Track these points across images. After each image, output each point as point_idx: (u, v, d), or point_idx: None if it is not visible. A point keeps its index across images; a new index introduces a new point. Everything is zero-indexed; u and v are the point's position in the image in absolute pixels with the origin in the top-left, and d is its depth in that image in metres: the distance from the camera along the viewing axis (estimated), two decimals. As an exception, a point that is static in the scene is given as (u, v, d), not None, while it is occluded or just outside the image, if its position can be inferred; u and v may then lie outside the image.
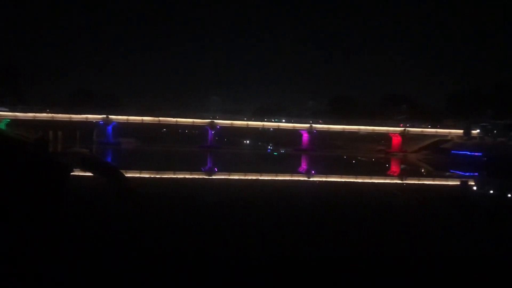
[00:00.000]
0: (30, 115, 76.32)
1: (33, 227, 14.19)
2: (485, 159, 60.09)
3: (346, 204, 23.06)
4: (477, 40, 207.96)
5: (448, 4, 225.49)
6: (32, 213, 16.08)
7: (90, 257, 11.09)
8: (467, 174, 48.78)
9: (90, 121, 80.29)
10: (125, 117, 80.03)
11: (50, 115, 77.21)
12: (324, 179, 39.92)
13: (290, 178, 38.99)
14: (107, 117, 78.51)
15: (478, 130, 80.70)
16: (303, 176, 43.00)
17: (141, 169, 38.18)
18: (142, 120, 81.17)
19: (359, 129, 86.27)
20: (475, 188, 38.06)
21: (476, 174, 48.77)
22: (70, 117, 78.02)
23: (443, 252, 13.36)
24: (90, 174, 30.29)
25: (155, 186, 27.97)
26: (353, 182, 37.19)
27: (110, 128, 79.21)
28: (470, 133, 79.83)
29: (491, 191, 36.03)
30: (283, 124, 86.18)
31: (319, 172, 47.02)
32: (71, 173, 27.67)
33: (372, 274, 10.87)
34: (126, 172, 30.54)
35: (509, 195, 32.61)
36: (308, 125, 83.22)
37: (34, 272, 10.01)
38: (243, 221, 16.82)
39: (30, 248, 11.76)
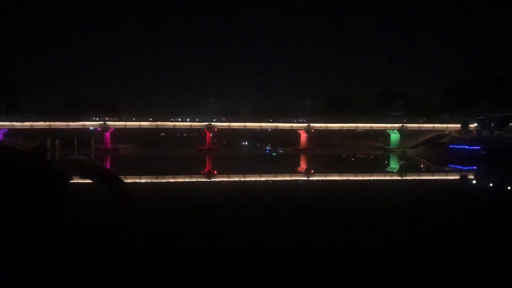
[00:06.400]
0: (27, 124, 76.09)
1: (32, 236, 14.13)
2: (484, 152, 60.14)
3: (351, 202, 23.02)
4: (471, 33, 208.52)
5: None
6: (31, 222, 16.02)
7: (89, 265, 11.04)
8: (466, 168, 48.83)
9: (87, 128, 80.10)
10: (122, 123, 79.89)
11: (47, 123, 76.95)
12: (326, 178, 39.83)
13: (293, 178, 38.91)
14: (105, 123, 78.33)
15: (475, 124, 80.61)
16: (305, 176, 42.89)
17: (140, 174, 38.10)
18: (140, 125, 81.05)
19: (356, 126, 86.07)
20: (474, 181, 38.07)
21: (475, 167, 48.83)
22: (68, 125, 77.82)
23: (445, 247, 13.35)
24: (89, 181, 30.23)
25: (155, 192, 27.87)
26: (355, 180, 37.20)
27: (108, 134, 79.04)
28: (467, 127, 79.70)
29: (491, 184, 36.07)
30: (281, 125, 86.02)
31: (321, 171, 46.92)
32: (70, 181, 27.61)
33: (374, 270, 10.85)
34: (125, 178, 30.49)
35: (509, 188, 32.64)
36: (306, 124, 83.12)
37: (34, 280, 9.96)
38: (247, 223, 16.75)
39: (30, 256, 11.71)
